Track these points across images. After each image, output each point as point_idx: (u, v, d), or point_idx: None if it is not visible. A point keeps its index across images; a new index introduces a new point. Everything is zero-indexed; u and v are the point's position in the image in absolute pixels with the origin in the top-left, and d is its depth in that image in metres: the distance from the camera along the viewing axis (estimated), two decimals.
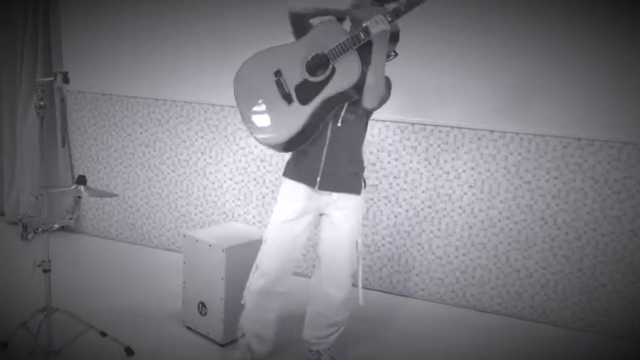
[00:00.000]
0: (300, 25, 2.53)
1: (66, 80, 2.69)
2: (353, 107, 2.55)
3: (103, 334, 2.92)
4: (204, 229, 3.38)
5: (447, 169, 3.69)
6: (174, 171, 4.39)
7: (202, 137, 4.24)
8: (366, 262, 3.94)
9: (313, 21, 2.55)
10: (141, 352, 2.93)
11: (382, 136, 3.79)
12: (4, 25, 4.60)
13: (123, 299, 3.56)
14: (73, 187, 2.79)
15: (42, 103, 2.66)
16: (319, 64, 2.49)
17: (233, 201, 4.24)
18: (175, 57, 4.19)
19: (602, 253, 3.46)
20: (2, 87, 4.75)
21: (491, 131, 3.57)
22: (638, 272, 3.41)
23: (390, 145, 3.78)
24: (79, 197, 2.81)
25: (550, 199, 3.52)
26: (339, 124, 2.55)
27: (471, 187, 3.66)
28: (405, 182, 3.78)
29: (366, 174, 3.86)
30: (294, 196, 2.64)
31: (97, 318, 3.03)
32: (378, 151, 3.81)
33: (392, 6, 2.41)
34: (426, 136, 3.70)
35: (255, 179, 4.15)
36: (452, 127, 3.64)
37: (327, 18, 2.52)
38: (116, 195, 3.01)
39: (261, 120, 2.54)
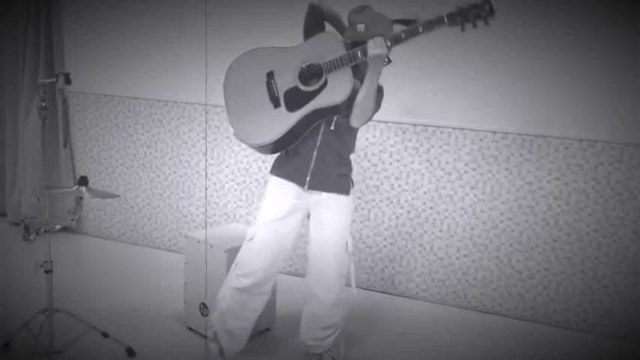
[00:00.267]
0: (314, 23, 2.54)
1: (68, 81, 2.69)
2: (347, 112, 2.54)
3: (105, 335, 2.92)
4: (206, 230, 3.38)
5: (448, 170, 3.69)
6: (175, 172, 4.39)
7: (204, 138, 4.25)
8: (367, 264, 3.94)
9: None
10: (142, 352, 2.93)
11: (384, 137, 3.79)
12: (6, 25, 4.61)
13: (124, 300, 3.56)
14: (74, 188, 2.79)
15: (44, 104, 2.66)
16: (313, 74, 2.47)
17: (234, 202, 4.24)
18: (177, 58, 4.20)
19: (604, 255, 3.46)
20: (4, 86, 4.76)
21: (493, 132, 3.56)
22: None
23: (392, 146, 3.78)
24: (81, 198, 2.81)
25: (552, 201, 3.51)
26: (332, 127, 2.55)
27: (472, 188, 3.66)
28: (407, 183, 3.78)
29: (367, 175, 3.89)
30: (283, 194, 2.62)
31: (98, 318, 3.03)
32: (379, 152, 3.81)
33: (394, 17, 2.41)
34: (427, 137, 3.70)
35: (256, 180, 4.15)
36: (453, 129, 3.64)
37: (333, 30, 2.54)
38: (118, 196, 3.02)
39: (245, 117, 2.54)
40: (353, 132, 2.66)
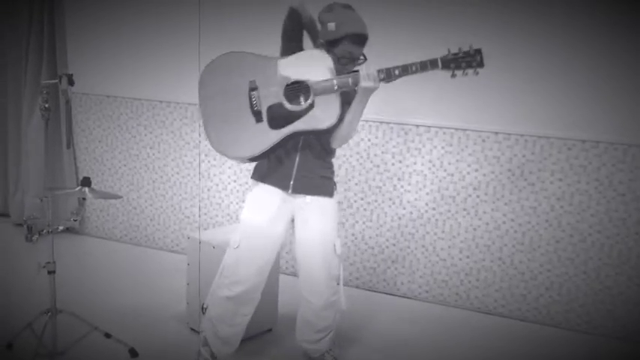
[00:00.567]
0: (291, 28, 2.46)
1: (71, 82, 2.70)
2: None
3: (108, 336, 2.92)
4: (208, 231, 3.38)
5: (451, 171, 3.69)
6: (178, 173, 4.39)
7: (206, 139, 4.24)
8: (370, 265, 3.94)
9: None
10: (145, 353, 2.93)
11: (386, 138, 3.79)
12: (9, 24, 4.62)
13: (127, 301, 3.57)
14: (77, 189, 2.79)
15: (47, 105, 2.67)
16: (298, 92, 2.40)
17: (237, 203, 4.25)
18: (180, 59, 4.20)
19: (607, 256, 3.45)
20: (7, 86, 4.77)
21: (496, 133, 3.56)
22: None
23: (394, 147, 3.78)
24: (84, 199, 2.81)
25: (554, 201, 3.51)
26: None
27: (475, 189, 3.66)
28: (409, 184, 3.78)
29: (370, 176, 3.89)
30: (267, 200, 2.59)
31: (101, 319, 3.03)
32: (382, 152, 3.81)
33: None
34: (430, 138, 3.70)
35: None
36: (456, 129, 3.64)
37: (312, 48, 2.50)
38: (120, 197, 3.01)
39: (222, 127, 2.44)
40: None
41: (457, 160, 3.66)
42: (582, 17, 3.32)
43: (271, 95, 2.41)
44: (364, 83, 2.34)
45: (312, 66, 2.39)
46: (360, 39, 2.43)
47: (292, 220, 2.67)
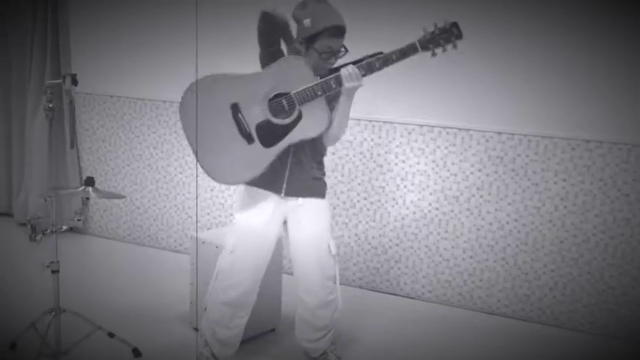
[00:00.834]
0: (267, 32, 2.38)
1: (74, 82, 2.70)
2: None
3: (111, 335, 2.93)
4: (212, 231, 3.39)
5: (454, 171, 3.68)
6: (181, 172, 4.40)
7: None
8: (373, 264, 3.94)
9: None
10: (148, 353, 2.94)
11: (389, 138, 3.78)
12: (13, 23, 4.63)
13: (130, 300, 3.57)
14: (81, 189, 2.80)
15: (51, 106, 2.68)
16: (282, 104, 2.36)
17: None
18: (183, 59, 4.20)
19: (611, 256, 3.44)
20: (12, 85, 4.78)
21: (499, 133, 3.56)
22: None
23: (397, 147, 3.78)
24: (87, 199, 2.82)
25: (558, 202, 3.50)
26: None
27: (478, 189, 3.65)
28: (413, 184, 3.78)
29: (373, 176, 3.88)
30: (261, 204, 2.58)
31: (104, 319, 3.04)
32: (385, 152, 3.80)
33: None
34: (433, 138, 3.70)
35: None
36: (459, 129, 3.63)
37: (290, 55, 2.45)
38: (124, 196, 3.02)
39: (216, 152, 2.40)
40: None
41: (460, 160, 3.66)
42: (582, 17, 3.31)
43: (257, 114, 2.38)
44: (348, 84, 2.33)
45: (291, 74, 2.35)
46: (339, 31, 2.40)
47: (285, 223, 2.67)
